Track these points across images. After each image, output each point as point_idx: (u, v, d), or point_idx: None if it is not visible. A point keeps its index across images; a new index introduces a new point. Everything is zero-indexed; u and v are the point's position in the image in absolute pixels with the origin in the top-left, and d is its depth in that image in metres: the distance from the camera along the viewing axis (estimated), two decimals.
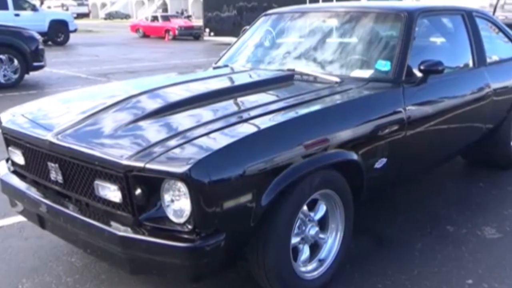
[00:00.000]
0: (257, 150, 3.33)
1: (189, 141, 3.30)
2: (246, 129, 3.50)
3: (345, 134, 3.93)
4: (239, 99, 4.30)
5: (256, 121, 3.64)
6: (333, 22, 5.71)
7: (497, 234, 4.92)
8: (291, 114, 3.80)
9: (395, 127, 4.35)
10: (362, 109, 4.26)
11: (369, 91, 4.48)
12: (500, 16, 15.91)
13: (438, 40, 6.16)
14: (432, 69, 4.67)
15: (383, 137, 4.25)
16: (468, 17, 5.95)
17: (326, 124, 3.86)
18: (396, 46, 4.84)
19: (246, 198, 3.22)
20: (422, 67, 4.66)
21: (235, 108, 4.12)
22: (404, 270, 4.27)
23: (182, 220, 3.14)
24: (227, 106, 4.12)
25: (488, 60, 6.04)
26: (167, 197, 3.18)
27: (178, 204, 3.14)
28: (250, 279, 3.73)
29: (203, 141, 3.30)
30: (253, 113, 3.83)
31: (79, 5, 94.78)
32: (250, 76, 5.23)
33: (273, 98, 4.33)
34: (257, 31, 6.28)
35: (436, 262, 4.41)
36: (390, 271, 4.26)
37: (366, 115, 4.20)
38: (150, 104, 4.10)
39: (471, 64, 5.82)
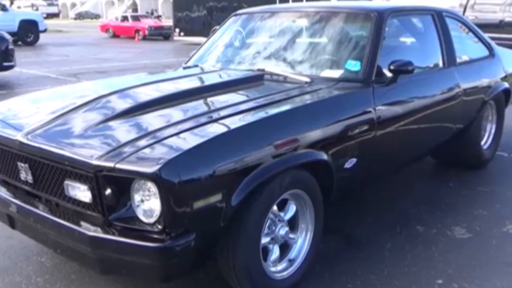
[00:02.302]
0: (227, 150, 3.33)
1: (159, 141, 3.29)
2: (216, 129, 3.50)
3: (315, 134, 3.94)
4: (209, 99, 4.29)
5: (226, 121, 3.64)
6: (303, 22, 5.72)
7: (467, 234, 4.95)
8: (261, 114, 3.81)
9: (365, 127, 4.36)
10: (332, 109, 4.28)
11: (339, 91, 4.49)
12: (470, 16, 16.01)
13: (408, 40, 6.19)
14: (402, 69, 4.69)
15: (353, 137, 4.26)
16: (438, 17, 5.99)
17: (296, 124, 3.87)
18: (366, 46, 4.85)
19: (216, 198, 3.22)
20: (392, 67, 4.68)
21: (205, 108, 4.11)
22: (374, 270, 4.29)
23: (152, 220, 3.13)
24: (197, 106, 4.11)
25: (458, 60, 6.07)
26: (137, 197, 3.16)
27: (148, 204, 3.13)
28: (220, 279, 3.73)
29: (173, 141, 3.30)
30: (223, 113, 3.83)
31: (49, 5, 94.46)
32: (220, 76, 5.23)
33: (243, 98, 4.34)
34: (227, 31, 6.27)
35: (406, 262, 4.43)
36: (360, 271, 4.27)
37: (336, 115, 4.21)
38: (120, 104, 4.09)
39: (441, 64, 5.85)
